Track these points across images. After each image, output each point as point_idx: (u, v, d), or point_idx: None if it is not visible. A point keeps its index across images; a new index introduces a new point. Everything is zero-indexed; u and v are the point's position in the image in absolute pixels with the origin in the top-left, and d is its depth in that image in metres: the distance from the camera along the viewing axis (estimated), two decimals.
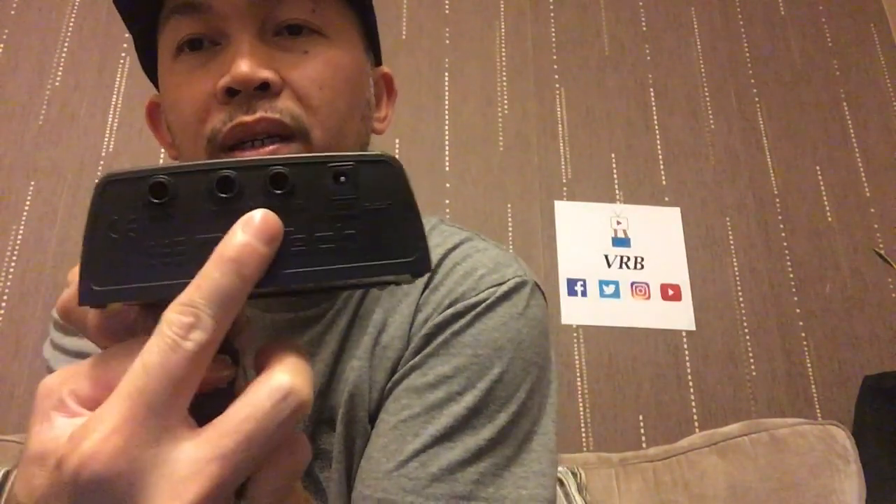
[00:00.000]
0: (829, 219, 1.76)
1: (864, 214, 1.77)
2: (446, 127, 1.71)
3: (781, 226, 1.73)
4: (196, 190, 0.24)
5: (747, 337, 1.61)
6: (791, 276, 1.68)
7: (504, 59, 1.80)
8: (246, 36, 0.47)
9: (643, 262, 1.64)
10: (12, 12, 1.67)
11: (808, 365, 1.60)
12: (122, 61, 1.67)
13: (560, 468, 1.20)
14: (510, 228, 1.63)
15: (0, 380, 1.37)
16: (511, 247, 1.61)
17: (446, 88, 1.75)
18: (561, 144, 1.74)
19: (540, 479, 0.48)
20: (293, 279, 0.24)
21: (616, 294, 1.61)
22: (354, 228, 0.25)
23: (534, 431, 0.50)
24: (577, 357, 1.55)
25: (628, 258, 1.64)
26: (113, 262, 0.24)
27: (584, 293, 1.60)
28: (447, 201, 1.63)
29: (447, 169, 1.67)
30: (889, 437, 1.36)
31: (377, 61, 0.60)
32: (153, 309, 0.25)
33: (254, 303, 0.38)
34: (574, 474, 1.18)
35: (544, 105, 1.77)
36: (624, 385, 1.53)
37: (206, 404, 0.23)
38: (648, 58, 1.86)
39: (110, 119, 1.62)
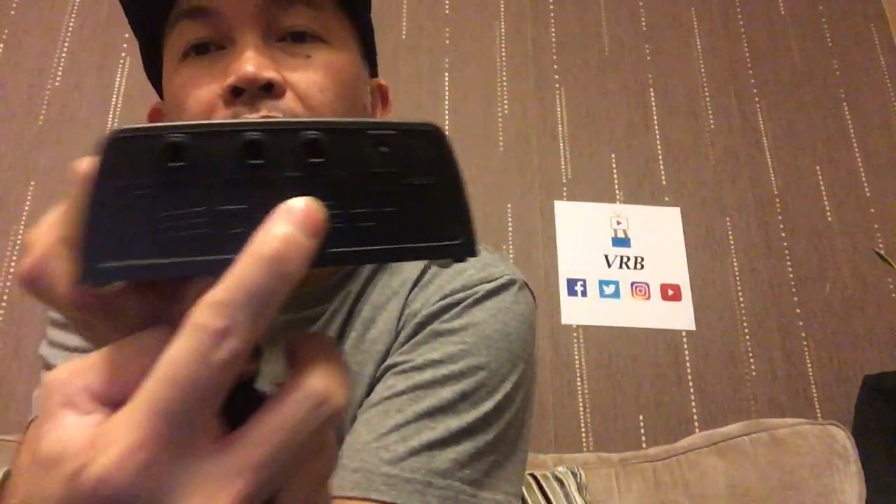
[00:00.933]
0: (829, 219, 1.75)
1: (864, 214, 1.77)
2: (446, 127, 1.70)
3: (781, 226, 1.73)
4: (219, 153, 0.21)
5: (747, 337, 1.61)
6: (791, 276, 1.68)
7: (504, 59, 1.80)
8: (251, 39, 0.49)
9: (643, 262, 1.64)
10: (12, 12, 1.67)
11: (808, 365, 1.60)
12: (122, 61, 1.67)
13: (560, 468, 1.20)
14: (510, 228, 1.63)
15: (0, 380, 1.37)
16: (511, 247, 1.61)
17: (446, 88, 1.75)
18: (561, 144, 1.74)
19: (517, 468, 0.50)
20: (328, 260, 0.21)
21: (616, 294, 1.61)
22: (396, 205, 0.22)
23: (514, 423, 0.51)
24: (577, 357, 1.55)
25: (628, 258, 1.64)
26: (119, 234, 0.21)
27: (584, 293, 1.60)
28: None
29: None
30: (889, 437, 1.36)
31: (373, 72, 0.62)
32: (155, 290, 0.23)
33: None
34: (574, 474, 1.18)
35: (544, 105, 1.77)
36: (624, 385, 1.53)
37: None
38: (648, 58, 1.86)
39: (110, 119, 1.62)
